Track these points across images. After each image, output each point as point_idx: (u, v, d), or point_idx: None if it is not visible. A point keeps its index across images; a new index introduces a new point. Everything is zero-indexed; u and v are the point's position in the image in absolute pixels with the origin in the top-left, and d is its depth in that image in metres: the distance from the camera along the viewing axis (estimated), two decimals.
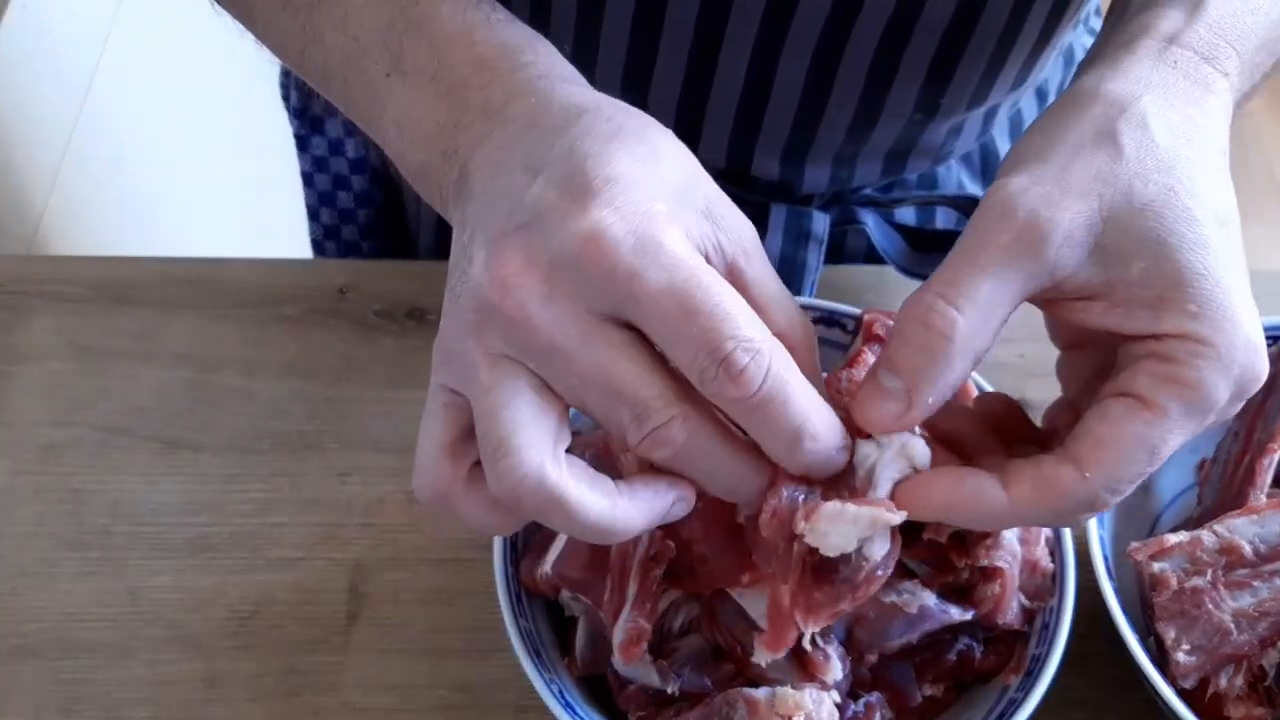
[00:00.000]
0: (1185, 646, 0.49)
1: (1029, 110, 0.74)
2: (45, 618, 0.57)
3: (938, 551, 0.48)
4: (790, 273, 0.65)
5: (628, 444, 0.36)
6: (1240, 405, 0.39)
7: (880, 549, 0.40)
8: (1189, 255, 0.37)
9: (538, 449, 0.35)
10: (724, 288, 0.35)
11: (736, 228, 0.38)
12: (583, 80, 0.42)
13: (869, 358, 0.51)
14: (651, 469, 0.39)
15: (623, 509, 0.37)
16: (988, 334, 0.38)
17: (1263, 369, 0.38)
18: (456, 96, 0.41)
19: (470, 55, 0.42)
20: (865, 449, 0.40)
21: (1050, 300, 0.39)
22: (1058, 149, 0.39)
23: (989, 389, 0.53)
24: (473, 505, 0.38)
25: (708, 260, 0.37)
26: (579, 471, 0.37)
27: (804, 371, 0.37)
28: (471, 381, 0.37)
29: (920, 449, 0.40)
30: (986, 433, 0.43)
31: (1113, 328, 0.39)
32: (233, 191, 1.38)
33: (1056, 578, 0.49)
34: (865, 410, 0.39)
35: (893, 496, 0.40)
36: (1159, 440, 0.37)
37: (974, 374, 0.53)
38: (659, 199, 0.36)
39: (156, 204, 1.22)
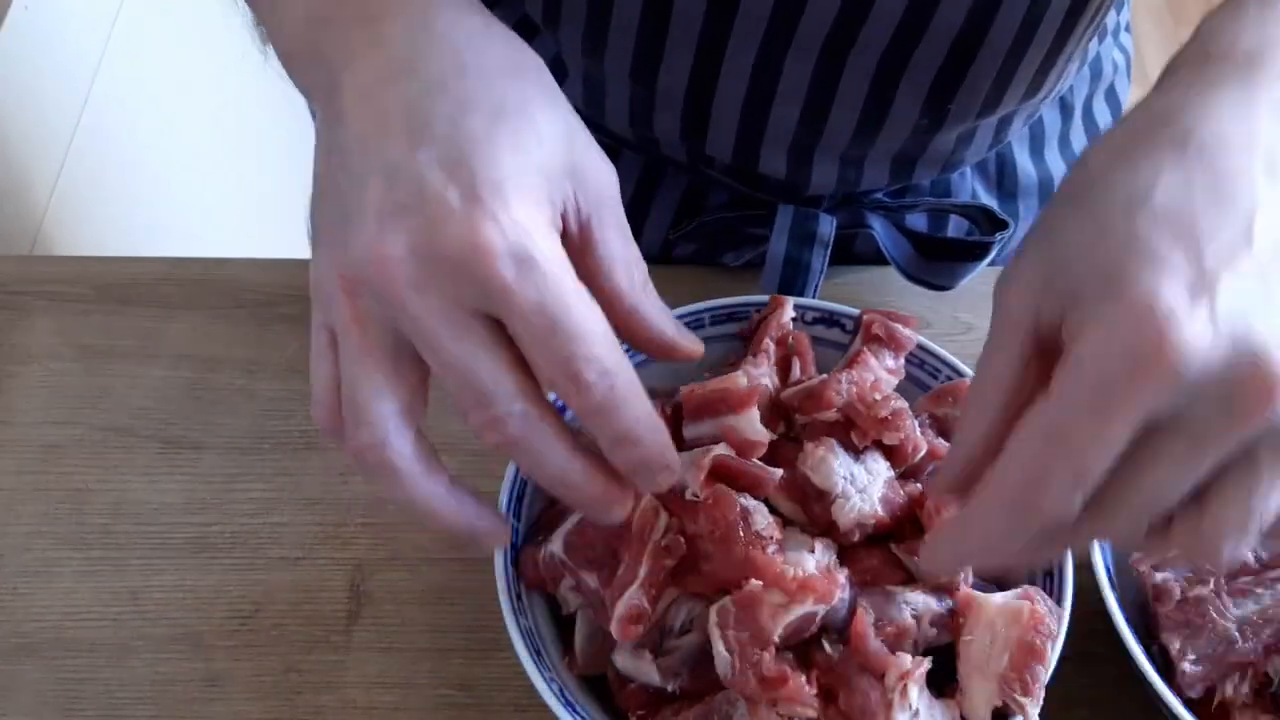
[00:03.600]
0: (1191, 656, 0.49)
1: (1051, 121, 0.73)
2: (47, 617, 0.58)
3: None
4: (793, 275, 0.65)
5: (469, 424, 0.39)
6: (1193, 396, 0.34)
7: None
8: (1085, 254, 0.36)
9: (388, 420, 0.39)
10: (586, 309, 0.38)
11: (596, 184, 0.41)
12: None
13: (868, 358, 0.51)
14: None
15: (439, 500, 0.41)
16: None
17: (1156, 337, 0.33)
18: None
19: None
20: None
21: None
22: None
23: None
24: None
25: (564, 219, 0.41)
26: (420, 452, 0.40)
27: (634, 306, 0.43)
28: (341, 337, 0.39)
29: None
30: None
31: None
32: (235, 191, 1.38)
33: (1056, 579, 0.49)
34: None
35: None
36: (1053, 417, 0.35)
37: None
38: (538, 199, 0.39)
39: (159, 204, 1.22)
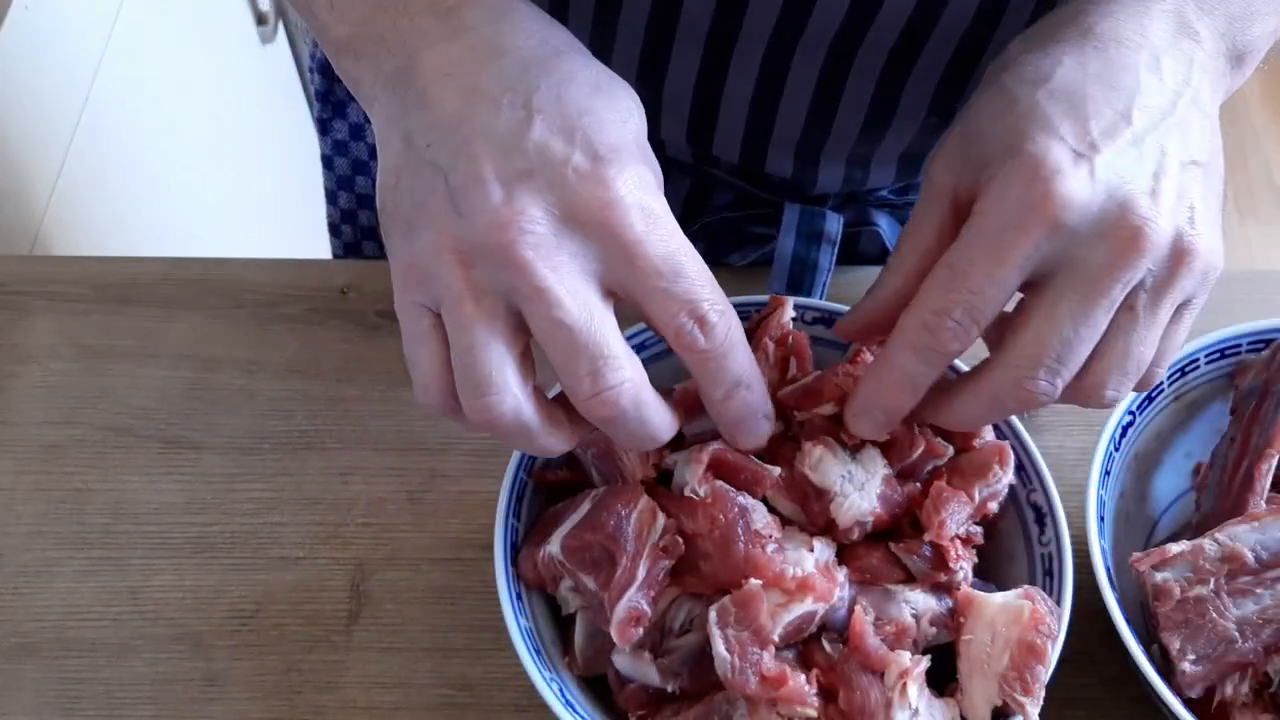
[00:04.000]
0: (1190, 656, 0.49)
1: None
2: (47, 616, 0.58)
3: (938, 551, 0.48)
4: (802, 273, 0.65)
5: (576, 396, 0.40)
6: (1092, 247, 0.39)
7: None
8: (994, 125, 0.42)
9: (513, 387, 0.40)
10: (699, 258, 0.41)
11: (654, 171, 0.43)
12: None
13: (868, 357, 0.51)
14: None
15: (571, 440, 0.43)
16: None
17: (1043, 189, 0.39)
18: None
19: None
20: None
21: None
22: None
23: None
24: (469, 423, 0.42)
25: None
26: (542, 404, 0.42)
27: None
28: (452, 310, 0.40)
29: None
30: None
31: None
32: (235, 191, 1.38)
33: (1055, 579, 0.49)
34: None
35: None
36: (955, 261, 0.40)
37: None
38: (646, 166, 0.41)
39: (159, 204, 1.22)
